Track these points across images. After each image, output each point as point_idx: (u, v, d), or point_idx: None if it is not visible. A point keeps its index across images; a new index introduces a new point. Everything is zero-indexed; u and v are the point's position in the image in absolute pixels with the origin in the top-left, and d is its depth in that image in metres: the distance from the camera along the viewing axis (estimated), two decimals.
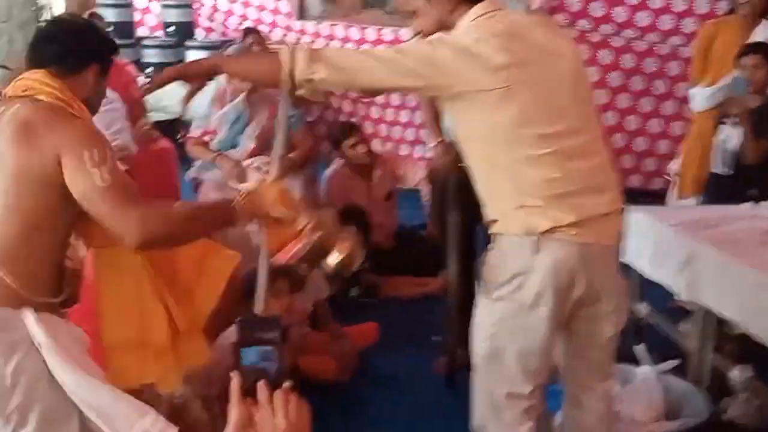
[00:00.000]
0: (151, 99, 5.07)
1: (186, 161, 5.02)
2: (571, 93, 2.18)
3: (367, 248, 4.56)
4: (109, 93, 4.35)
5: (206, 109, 4.66)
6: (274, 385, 1.44)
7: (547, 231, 2.13)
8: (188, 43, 7.72)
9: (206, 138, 4.66)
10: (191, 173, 4.79)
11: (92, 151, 1.97)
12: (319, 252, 2.29)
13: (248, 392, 1.46)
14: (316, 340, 3.68)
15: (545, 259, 2.15)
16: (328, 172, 5.14)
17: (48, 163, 1.98)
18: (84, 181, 1.97)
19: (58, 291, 2.13)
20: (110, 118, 4.06)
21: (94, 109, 2.24)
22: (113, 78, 2.50)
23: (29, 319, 2.00)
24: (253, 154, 4.55)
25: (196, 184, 4.73)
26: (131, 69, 5.50)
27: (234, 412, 1.46)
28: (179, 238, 2.14)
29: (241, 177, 4.47)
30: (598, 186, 2.22)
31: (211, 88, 4.79)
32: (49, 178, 1.99)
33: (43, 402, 2.00)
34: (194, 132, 4.72)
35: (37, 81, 2.09)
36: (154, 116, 5.68)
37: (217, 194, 4.45)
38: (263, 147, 4.54)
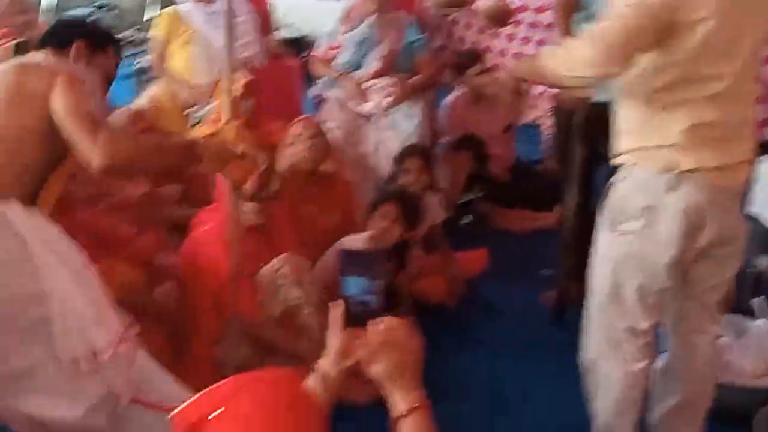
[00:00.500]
0: (278, 15, 5.14)
1: (310, 79, 5.08)
2: (750, 38, 2.12)
3: (483, 178, 4.61)
4: (242, 5, 4.47)
5: (333, 27, 4.70)
6: (374, 317, 1.49)
7: (687, 171, 2.10)
8: None
9: (331, 54, 4.68)
10: (315, 91, 4.84)
11: (71, 79, 2.19)
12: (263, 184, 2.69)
13: (348, 322, 1.51)
14: (428, 263, 3.72)
15: (680, 197, 2.13)
16: (449, 99, 5.12)
17: (43, 86, 2.18)
18: (64, 103, 2.15)
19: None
20: (240, 30, 4.14)
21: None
22: None
23: (14, 209, 2.13)
24: (376, 76, 4.56)
25: (318, 102, 4.78)
26: None
27: (334, 340, 1.51)
28: (142, 165, 2.31)
29: (363, 98, 4.51)
30: (744, 134, 2.20)
31: (340, 5, 4.84)
32: (42, 99, 2.18)
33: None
34: (319, 50, 4.76)
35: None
36: (282, 33, 5.75)
37: (337, 114, 4.51)
38: (388, 69, 4.56)
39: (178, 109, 4.39)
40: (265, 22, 4.86)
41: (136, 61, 5.86)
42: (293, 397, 1.43)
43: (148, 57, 4.89)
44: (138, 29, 8.20)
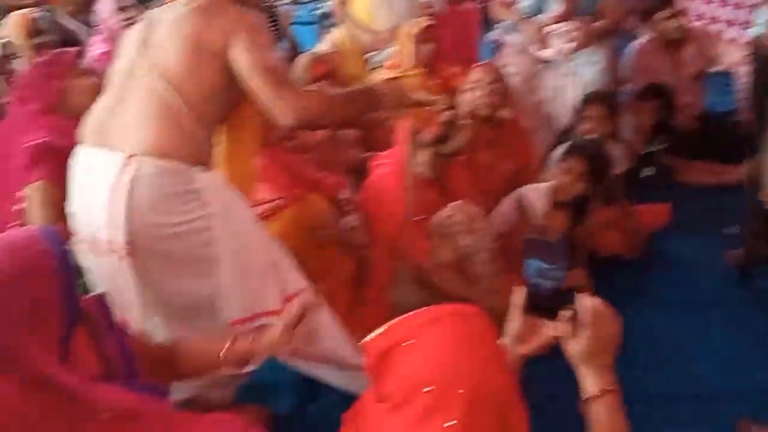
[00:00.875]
0: None
1: (488, 24, 5.00)
2: None
3: (668, 128, 4.40)
4: None
5: None
6: (549, 303, 1.46)
7: None
8: None
9: None
10: (493, 35, 4.77)
11: (260, 35, 2.16)
12: (443, 137, 2.56)
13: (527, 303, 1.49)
14: (606, 215, 3.61)
15: None
16: (635, 45, 4.88)
17: (221, 40, 2.14)
18: (248, 60, 2.12)
19: (209, 160, 2.25)
20: None
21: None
22: None
23: (200, 174, 2.15)
24: (558, 20, 4.41)
25: (496, 47, 4.71)
26: None
27: (513, 324, 1.51)
28: (329, 120, 2.31)
29: (544, 43, 4.39)
30: None
31: None
32: (222, 54, 2.14)
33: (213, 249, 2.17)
34: None
35: None
36: None
37: (516, 59, 4.43)
38: (570, 13, 4.41)
39: (358, 54, 4.45)
40: None
41: (318, 6, 5.98)
42: (485, 332, 1.44)
43: (330, 2, 4.97)
44: None
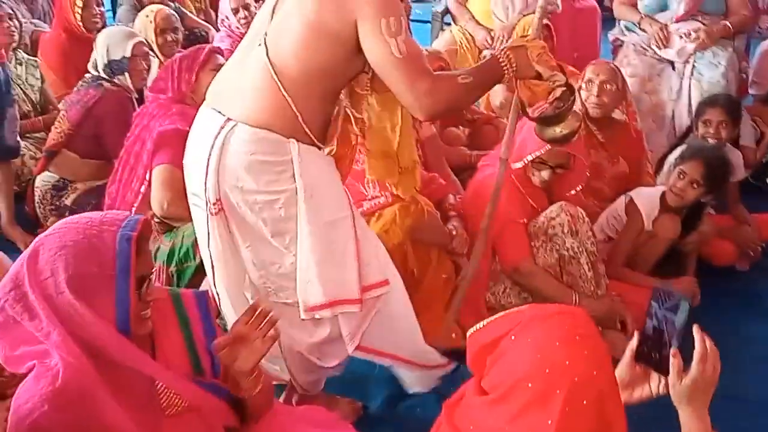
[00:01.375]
0: None
1: (610, 22, 4.90)
2: None
3: None
4: None
5: None
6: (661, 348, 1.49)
7: None
8: None
9: None
10: (613, 33, 4.67)
11: (389, 20, 2.00)
12: (552, 118, 2.35)
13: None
14: (720, 223, 3.50)
15: None
16: (764, 45, 4.67)
17: (345, 23, 2.04)
18: (380, 49, 2.02)
19: (323, 137, 2.22)
20: None
21: None
22: None
23: (294, 147, 2.12)
24: (681, 19, 4.28)
25: (616, 47, 4.62)
26: None
27: (620, 369, 1.57)
28: (460, 107, 2.21)
29: (666, 41, 4.27)
30: None
31: None
32: (342, 36, 2.05)
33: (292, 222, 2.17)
34: None
35: None
36: None
37: (635, 59, 4.33)
38: (694, 11, 4.27)
39: (474, 52, 4.46)
40: None
41: (435, 3, 6.00)
42: (589, 330, 1.44)
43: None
44: None
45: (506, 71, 2.16)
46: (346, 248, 2.23)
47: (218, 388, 1.72)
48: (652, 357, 1.54)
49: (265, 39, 2.13)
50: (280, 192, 2.14)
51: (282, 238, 2.19)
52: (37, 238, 1.57)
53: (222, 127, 2.13)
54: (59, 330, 1.48)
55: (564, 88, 2.25)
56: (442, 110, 2.15)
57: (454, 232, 2.90)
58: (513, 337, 1.42)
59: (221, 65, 2.66)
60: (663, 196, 3.23)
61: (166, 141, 2.93)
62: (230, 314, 2.27)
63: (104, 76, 3.58)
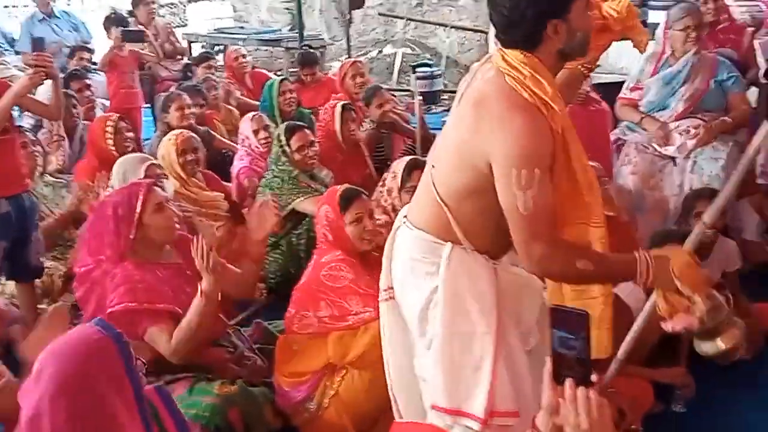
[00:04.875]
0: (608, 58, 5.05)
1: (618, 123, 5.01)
2: None
3: None
4: None
5: (640, 64, 4.61)
6: (573, 374, 1.51)
7: None
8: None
9: (635, 96, 4.59)
10: (615, 133, 4.78)
11: (521, 172, 1.96)
12: (704, 332, 2.17)
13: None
14: None
15: None
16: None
17: (481, 158, 2.05)
18: (507, 198, 2.01)
19: (496, 251, 2.25)
20: None
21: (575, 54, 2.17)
22: None
23: (446, 249, 2.21)
24: (680, 117, 4.40)
25: (618, 146, 4.71)
26: None
27: (545, 395, 1.54)
28: (572, 282, 2.16)
29: (666, 139, 4.37)
30: None
31: (649, 46, 4.71)
32: (479, 167, 2.07)
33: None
34: (626, 93, 4.69)
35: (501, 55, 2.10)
36: (599, 77, 5.68)
37: (636, 157, 4.43)
38: (694, 109, 4.38)
39: None
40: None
41: None
42: None
43: None
44: None
45: (638, 279, 2.04)
46: (481, 364, 2.17)
47: None
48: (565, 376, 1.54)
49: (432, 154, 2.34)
50: (427, 289, 2.23)
51: (417, 335, 2.30)
52: None
53: (398, 227, 2.41)
54: None
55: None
56: (549, 276, 2.16)
57: None
58: None
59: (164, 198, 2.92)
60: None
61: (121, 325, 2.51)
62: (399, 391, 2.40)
63: None
